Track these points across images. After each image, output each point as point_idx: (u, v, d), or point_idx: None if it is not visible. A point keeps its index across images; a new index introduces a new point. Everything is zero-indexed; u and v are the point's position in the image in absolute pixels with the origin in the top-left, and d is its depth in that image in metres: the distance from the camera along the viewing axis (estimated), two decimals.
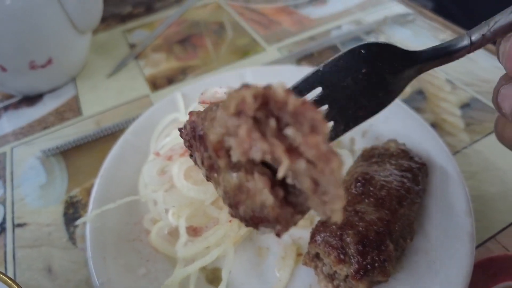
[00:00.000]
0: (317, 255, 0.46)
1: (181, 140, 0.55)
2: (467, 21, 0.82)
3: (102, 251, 0.49)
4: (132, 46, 0.98)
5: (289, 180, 0.24)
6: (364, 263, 0.41)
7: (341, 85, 0.34)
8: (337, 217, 0.22)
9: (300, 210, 0.26)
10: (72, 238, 0.58)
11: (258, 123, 0.23)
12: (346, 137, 0.64)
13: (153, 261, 0.51)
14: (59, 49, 0.79)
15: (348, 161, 0.58)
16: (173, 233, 0.52)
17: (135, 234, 0.53)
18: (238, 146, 0.24)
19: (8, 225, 0.61)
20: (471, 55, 0.81)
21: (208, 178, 0.33)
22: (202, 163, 0.31)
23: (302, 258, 0.48)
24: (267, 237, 0.53)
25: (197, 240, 0.50)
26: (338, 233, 0.43)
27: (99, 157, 0.66)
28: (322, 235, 0.44)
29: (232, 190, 0.27)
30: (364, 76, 0.34)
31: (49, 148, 0.72)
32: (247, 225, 0.29)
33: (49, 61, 0.79)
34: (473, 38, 0.32)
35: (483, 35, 0.31)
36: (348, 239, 0.42)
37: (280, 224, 0.25)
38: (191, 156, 0.35)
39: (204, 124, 0.29)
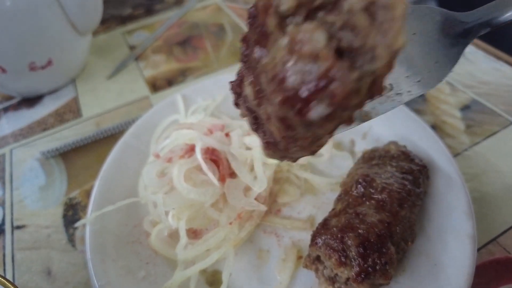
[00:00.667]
0: (318, 258, 0.46)
1: (181, 142, 0.55)
2: None
3: (102, 253, 0.49)
4: (132, 47, 0.98)
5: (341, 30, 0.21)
6: (365, 265, 0.41)
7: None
8: (401, 43, 0.20)
9: (356, 64, 0.22)
10: (71, 240, 0.58)
11: None
12: (346, 138, 0.64)
13: (153, 264, 0.51)
14: (59, 50, 0.79)
15: (348, 163, 0.58)
16: (173, 236, 0.52)
17: (134, 236, 0.53)
18: None
19: (7, 227, 0.61)
20: (471, 57, 0.80)
21: (259, 125, 0.30)
22: (250, 83, 0.28)
23: (303, 261, 0.47)
24: (268, 240, 0.53)
25: (197, 242, 0.50)
26: (339, 235, 0.43)
27: (98, 158, 0.65)
28: (323, 237, 0.44)
29: (281, 59, 0.23)
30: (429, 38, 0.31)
31: (48, 150, 0.72)
32: (299, 113, 0.23)
33: (49, 63, 0.79)
34: None
35: None
36: (349, 242, 0.42)
37: (337, 81, 0.21)
38: (242, 99, 0.31)
39: None
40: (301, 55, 0.21)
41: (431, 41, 0.31)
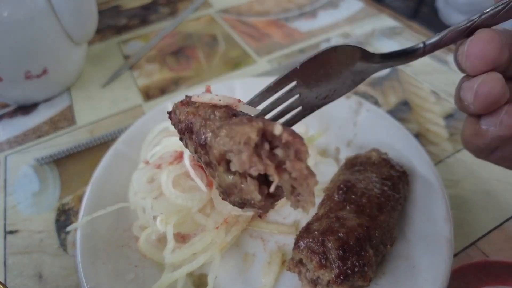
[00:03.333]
0: (300, 261, 0.47)
1: (170, 149, 0.57)
2: None
3: (92, 256, 0.50)
4: (126, 57, 1.01)
5: (273, 185, 0.32)
6: (344, 268, 0.42)
7: (314, 77, 0.40)
8: (307, 212, 0.32)
9: (278, 199, 0.35)
10: (63, 244, 0.59)
11: (255, 146, 0.30)
12: (331, 146, 0.66)
13: (142, 267, 0.52)
14: (55, 59, 0.81)
15: (332, 169, 0.59)
16: (162, 240, 0.53)
17: (124, 240, 0.55)
18: (239, 165, 0.30)
19: (0, 232, 0.62)
20: (454, 66, 0.83)
21: (200, 163, 0.42)
22: (195, 151, 0.38)
23: (286, 264, 0.49)
24: (254, 244, 0.55)
25: (184, 246, 0.51)
26: (320, 239, 0.44)
27: (92, 165, 0.67)
28: (305, 241, 0.45)
29: (226, 185, 0.34)
30: (333, 70, 0.41)
31: (42, 157, 0.73)
32: (234, 205, 0.37)
33: (45, 71, 0.80)
34: (427, 43, 0.39)
35: (434, 43, 0.38)
36: (329, 245, 0.44)
37: (262, 209, 0.35)
38: (181, 139, 0.42)
39: (204, 132, 0.35)
40: (241, 194, 0.33)
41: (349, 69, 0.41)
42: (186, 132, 0.39)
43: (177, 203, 0.52)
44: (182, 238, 0.55)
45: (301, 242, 0.46)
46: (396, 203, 0.50)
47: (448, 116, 0.75)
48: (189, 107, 0.40)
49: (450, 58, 0.89)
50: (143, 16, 1.18)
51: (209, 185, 0.55)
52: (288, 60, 0.93)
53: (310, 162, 0.61)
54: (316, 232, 0.46)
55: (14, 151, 0.76)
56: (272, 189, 0.31)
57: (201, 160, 0.37)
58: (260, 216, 0.36)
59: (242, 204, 0.35)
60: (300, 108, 0.42)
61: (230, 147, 0.31)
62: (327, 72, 0.40)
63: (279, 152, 0.30)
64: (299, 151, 0.29)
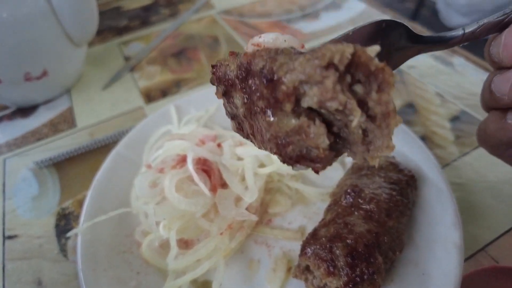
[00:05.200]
0: (307, 268, 0.46)
1: (173, 153, 0.56)
2: None
3: (93, 263, 0.49)
4: (127, 58, 0.99)
5: (341, 130, 0.28)
6: (353, 275, 0.41)
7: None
8: (375, 163, 0.28)
9: (339, 154, 0.30)
10: (63, 250, 0.58)
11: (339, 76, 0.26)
12: None
13: (144, 273, 0.51)
14: (55, 61, 0.80)
15: (338, 173, 0.58)
16: (164, 246, 0.52)
17: (126, 246, 0.53)
18: (319, 94, 0.26)
19: None
20: (460, 69, 0.82)
21: (237, 119, 0.35)
22: (244, 103, 0.32)
23: (293, 271, 0.48)
24: (258, 250, 0.53)
25: (188, 252, 0.50)
26: (327, 245, 0.43)
27: (92, 168, 0.66)
28: (312, 247, 0.44)
29: (286, 132, 0.29)
30: (381, 45, 0.37)
31: (42, 160, 0.72)
32: (285, 162, 0.31)
33: (44, 73, 0.79)
34: (466, 31, 0.37)
35: (472, 31, 0.37)
36: (337, 252, 0.43)
37: (321, 163, 0.29)
38: (225, 93, 0.35)
39: (272, 66, 0.29)
40: (304, 141, 0.28)
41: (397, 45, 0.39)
42: (237, 81, 0.33)
43: (180, 208, 0.51)
44: (185, 244, 0.54)
45: (308, 249, 0.45)
46: (404, 208, 0.48)
47: (454, 119, 0.74)
48: (250, 54, 0.33)
49: (455, 60, 0.88)
50: (144, 17, 1.17)
51: (212, 189, 0.54)
52: None
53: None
54: (323, 239, 0.45)
55: (13, 154, 0.75)
56: (355, 123, 0.26)
57: (248, 118, 0.32)
58: (317, 172, 0.30)
59: (299, 157, 0.29)
60: None
61: (309, 75, 0.26)
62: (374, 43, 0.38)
63: (358, 88, 0.26)
64: (386, 82, 0.25)
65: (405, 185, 0.50)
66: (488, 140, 0.41)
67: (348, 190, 0.49)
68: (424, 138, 0.70)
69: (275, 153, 0.31)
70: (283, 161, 0.31)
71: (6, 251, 0.59)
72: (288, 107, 0.27)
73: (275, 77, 0.28)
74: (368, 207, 0.46)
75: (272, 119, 0.29)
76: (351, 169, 0.56)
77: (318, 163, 0.29)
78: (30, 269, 0.56)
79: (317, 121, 0.27)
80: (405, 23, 0.38)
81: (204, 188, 0.52)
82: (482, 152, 0.67)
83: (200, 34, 1.06)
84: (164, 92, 0.87)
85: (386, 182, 0.50)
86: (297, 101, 0.27)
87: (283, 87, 0.27)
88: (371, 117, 0.26)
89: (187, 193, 0.53)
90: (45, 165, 0.72)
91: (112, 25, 1.14)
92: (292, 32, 1.03)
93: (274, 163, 0.57)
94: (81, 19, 0.79)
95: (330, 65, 0.25)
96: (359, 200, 0.48)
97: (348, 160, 0.63)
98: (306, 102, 0.27)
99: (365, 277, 0.41)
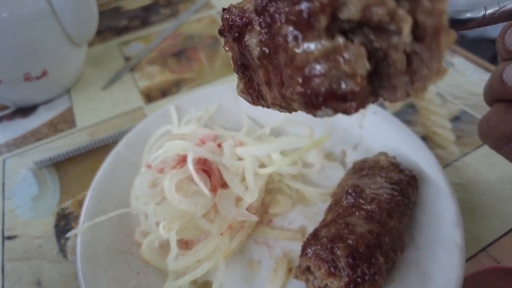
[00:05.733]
0: (308, 268, 0.46)
1: (173, 153, 0.56)
2: None
3: (93, 263, 0.49)
4: (127, 58, 0.99)
5: (380, 64, 0.23)
6: (354, 276, 0.41)
7: None
8: (422, 96, 0.22)
9: (375, 93, 0.25)
10: (63, 250, 0.58)
11: None
12: (337, 149, 0.65)
13: (144, 274, 0.51)
14: (54, 61, 0.80)
15: (339, 173, 0.58)
16: (164, 246, 0.52)
17: (126, 247, 0.53)
18: None
19: None
20: (460, 69, 0.82)
21: (246, 74, 0.31)
22: (261, 41, 0.27)
23: (293, 271, 0.48)
24: (259, 250, 0.53)
25: (188, 253, 0.50)
26: (328, 246, 0.43)
27: (92, 169, 0.66)
28: (313, 248, 0.44)
29: (317, 57, 0.23)
30: None
31: (42, 160, 0.72)
32: (310, 106, 0.25)
33: (44, 73, 0.79)
34: (487, 12, 0.34)
35: (494, 12, 0.34)
36: (338, 252, 0.42)
37: (355, 101, 0.23)
38: (237, 38, 0.30)
39: None
40: (338, 68, 0.22)
41: None
42: (253, 16, 0.27)
43: (180, 208, 0.50)
44: (185, 244, 0.53)
45: (309, 249, 0.44)
46: (405, 209, 0.48)
47: (455, 119, 0.74)
48: None
49: (455, 60, 0.88)
50: (144, 17, 1.16)
51: (212, 189, 0.54)
52: None
53: (317, 166, 0.59)
54: (324, 239, 0.44)
55: (12, 154, 0.75)
56: (405, 32, 0.21)
57: (264, 60, 0.27)
58: (347, 112, 0.24)
59: (328, 94, 0.23)
60: None
61: None
62: None
63: (404, 4, 0.21)
64: None
65: (406, 185, 0.50)
66: (490, 133, 0.40)
67: (349, 190, 0.49)
68: (424, 138, 0.70)
69: (298, 94, 0.25)
70: (307, 104, 0.25)
71: (5, 251, 0.58)
72: (323, 21, 0.22)
73: None
74: (369, 207, 0.46)
75: (300, 45, 0.24)
76: (352, 169, 0.56)
77: (352, 100, 0.23)
78: (29, 269, 0.56)
79: (356, 42, 0.23)
80: None
81: (204, 188, 0.52)
82: (483, 152, 0.67)
83: (200, 34, 1.06)
84: (164, 92, 0.87)
85: (387, 182, 0.50)
86: (333, 19, 0.23)
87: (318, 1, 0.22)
88: (417, 39, 0.22)
89: (187, 193, 0.52)
90: (45, 165, 0.71)
91: (112, 25, 1.14)
92: None
93: (275, 163, 0.57)
94: (81, 19, 0.78)
95: None
96: (360, 200, 0.47)
97: (349, 160, 0.63)
98: (346, 13, 0.22)
99: (366, 277, 0.41)
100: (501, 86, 0.37)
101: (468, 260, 0.52)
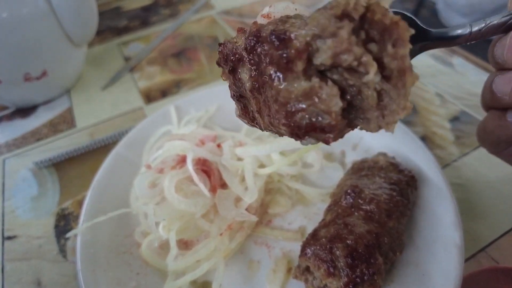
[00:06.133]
0: (307, 269, 0.46)
1: (173, 153, 0.56)
2: None
3: (92, 263, 0.49)
4: (127, 59, 0.99)
5: (354, 98, 0.26)
6: (353, 276, 0.41)
7: None
8: (392, 130, 0.26)
9: (351, 125, 0.28)
10: (62, 250, 0.58)
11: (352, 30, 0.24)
12: (337, 150, 0.65)
13: (144, 274, 0.51)
14: (54, 61, 0.80)
15: (338, 174, 0.58)
16: (164, 246, 0.52)
17: (126, 247, 0.53)
18: (333, 46, 0.24)
19: None
20: (460, 69, 0.82)
21: (241, 101, 0.34)
22: (251, 76, 0.30)
23: (293, 272, 0.48)
24: (258, 251, 0.53)
25: (188, 253, 0.50)
26: (328, 246, 0.43)
27: (92, 169, 0.66)
28: (312, 248, 0.44)
29: (296, 96, 0.27)
30: None
31: (41, 160, 0.72)
32: (295, 135, 0.29)
33: (44, 74, 0.79)
34: (473, 29, 0.36)
35: (480, 29, 0.36)
36: (337, 252, 0.42)
37: (333, 133, 0.27)
38: (232, 70, 0.33)
39: (282, 27, 0.27)
40: (316, 106, 0.26)
41: None
42: (244, 54, 0.31)
43: (180, 208, 0.51)
44: (185, 244, 0.53)
45: (308, 250, 0.45)
46: (405, 209, 0.48)
47: (454, 119, 0.74)
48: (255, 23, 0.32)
49: (454, 60, 0.88)
50: (143, 18, 1.17)
51: (212, 190, 0.54)
52: None
53: (316, 166, 0.60)
54: (323, 239, 0.44)
55: (12, 155, 0.75)
56: (371, 75, 0.24)
57: (255, 92, 0.31)
58: (327, 142, 0.28)
59: (309, 127, 0.27)
60: None
61: (323, 27, 0.24)
62: None
63: (373, 47, 0.24)
64: (402, 38, 0.23)
65: (405, 186, 0.50)
66: (487, 138, 0.41)
67: (348, 191, 0.49)
68: (424, 139, 0.70)
69: (283, 125, 0.29)
70: (292, 134, 0.29)
71: (5, 251, 0.59)
72: (300, 66, 0.26)
73: (286, 35, 0.26)
74: (368, 207, 0.46)
75: (282, 84, 0.27)
76: (351, 169, 0.56)
77: (329, 132, 0.27)
78: (29, 269, 0.56)
79: (330, 82, 0.26)
80: (412, 17, 0.36)
81: (203, 188, 0.52)
82: (482, 152, 0.67)
83: (200, 35, 1.06)
84: (164, 92, 0.87)
85: (386, 182, 0.50)
86: (309, 62, 0.26)
87: (295, 43, 0.25)
88: (386, 78, 0.25)
89: (186, 193, 0.52)
90: (45, 166, 0.71)
91: (112, 25, 1.14)
92: None
93: (274, 164, 0.57)
94: (81, 19, 0.79)
95: (344, 16, 0.24)
96: (359, 200, 0.48)
97: (348, 160, 0.63)
98: (319, 59, 0.25)
99: (365, 278, 0.41)
100: (491, 96, 0.38)
101: (467, 260, 0.52)
